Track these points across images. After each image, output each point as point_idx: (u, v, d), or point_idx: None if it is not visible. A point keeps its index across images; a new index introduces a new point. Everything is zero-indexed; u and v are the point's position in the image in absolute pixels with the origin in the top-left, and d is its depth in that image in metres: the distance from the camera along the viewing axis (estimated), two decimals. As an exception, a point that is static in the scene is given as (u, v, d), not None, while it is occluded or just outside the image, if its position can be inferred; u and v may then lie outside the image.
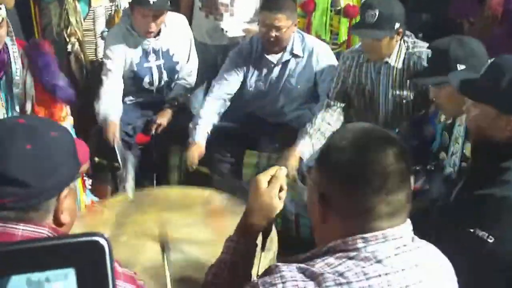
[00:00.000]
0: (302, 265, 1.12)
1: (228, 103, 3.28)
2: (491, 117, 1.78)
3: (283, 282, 1.10)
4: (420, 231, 1.24)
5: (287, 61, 3.19)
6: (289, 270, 1.12)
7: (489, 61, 1.96)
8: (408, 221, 1.18)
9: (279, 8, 2.99)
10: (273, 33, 3.04)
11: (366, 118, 2.97)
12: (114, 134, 3.05)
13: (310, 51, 3.15)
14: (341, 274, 1.09)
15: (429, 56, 2.45)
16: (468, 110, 1.89)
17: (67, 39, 3.39)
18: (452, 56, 2.30)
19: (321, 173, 1.19)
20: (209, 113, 3.19)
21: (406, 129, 2.86)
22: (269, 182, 1.39)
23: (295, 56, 3.17)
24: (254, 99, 3.30)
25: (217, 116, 3.24)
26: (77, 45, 3.41)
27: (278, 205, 1.39)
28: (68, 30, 3.38)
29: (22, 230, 1.16)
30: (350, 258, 1.11)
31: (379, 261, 1.11)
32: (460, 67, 2.27)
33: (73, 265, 0.67)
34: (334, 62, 3.18)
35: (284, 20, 3.01)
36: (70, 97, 2.72)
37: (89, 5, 3.42)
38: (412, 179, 1.22)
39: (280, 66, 3.20)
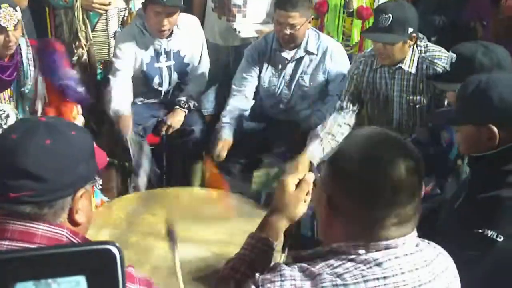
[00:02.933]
0: (304, 264, 1.15)
1: (252, 101, 3.31)
2: (473, 133, 1.81)
3: (281, 280, 1.13)
4: (429, 234, 1.26)
5: (301, 58, 3.20)
6: (290, 269, 1.14)
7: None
8: (415, 231, 1.18)
9: (293, 6, 3.01)
10: (288, 31, 3.06)
11: (379, 123, 2.96)
12: (127, 127, 3.06)
13: (325, 50, 3.17)
14: (339, 276, 1.11)
15: (453, 60, 2.39)
16: (456, 135, 1.95)
17: (75, 51, 3.37)
18: (477, 64, 2.28)
19: (332, 177, 1.19)
20: (233, 111, 3.23)
21: (424, 136, 2.85)
22: (297, 185, 1.40)
23: (309, 53, 3.18)
24: (267, 95, 3.31)
25: (242, 112, 3.26)
26: (85, 56, 3.40)
27: (303, 209, 1.40)
28: (76, 43, 3.38)
29: (42, 230, 1.17)
30: (350, 260, 1.12)
31: (378, 264, 1.12)
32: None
33: (85, 273, 0.68)
34: (347, 62, 3.19)
35: (298, 18, 3.03)
36: (80, 97, 2.73)
37: (102, 5, 3.41)
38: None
39: (294, 62, 3.22)
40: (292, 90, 3.26)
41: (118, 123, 3.10)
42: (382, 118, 3.00)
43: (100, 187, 3.02)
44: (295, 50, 3.18)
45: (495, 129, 1.76)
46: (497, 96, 1.76)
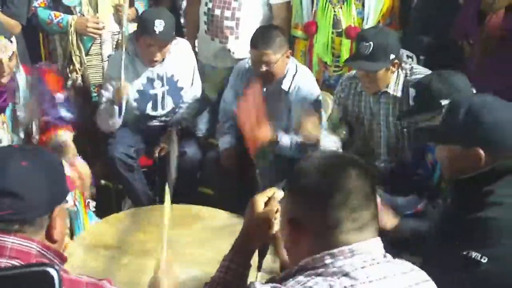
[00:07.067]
0: (276, 284, 1.18)
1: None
2: (459, 154, 1.82)
3: None
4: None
5: (274, 93, 3.14)
6: None
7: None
8: (378, 238, 1.22)
9: (265, 45, 2.99)
10: (264, 68, 3.04)
11: (366, 148, 2.97)
12: (123, 94, 3.09)
13: (296, 88, 3.11)
14: None
15: (413, 94, 2.48)
16: (438, 154, 1.95)
17: (69, 75, 3.42)
18: (435, 92, 2.36)
19: (290, 198, 1.26)
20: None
21: (407, 158, 2.87)
22: (266, 203, 1.43)
23: (282, 90, 3.13)
24: None
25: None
26: (79, 80, 3.45)
27: (274, 227, 1.42)
28: (71, 67, 3.44)
29: (12, 243, 1.22)
30: (319, 275, 1.16)
31: (345, 274, 1.16)
32: (444, 102, 2.30)
33: None
34: (311, 104, 3.11)
35: (272, 55, 3.00)
36: (65, 119, 2.86)
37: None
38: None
39: (267, 95, 3.15)
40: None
41: (116, 91, 3.13)
42: (368, 141, 3.00)
43: (94, 209, 3.04)
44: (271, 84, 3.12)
45: (482, 152, 1.77)
46: (490, 120, 1.77)
